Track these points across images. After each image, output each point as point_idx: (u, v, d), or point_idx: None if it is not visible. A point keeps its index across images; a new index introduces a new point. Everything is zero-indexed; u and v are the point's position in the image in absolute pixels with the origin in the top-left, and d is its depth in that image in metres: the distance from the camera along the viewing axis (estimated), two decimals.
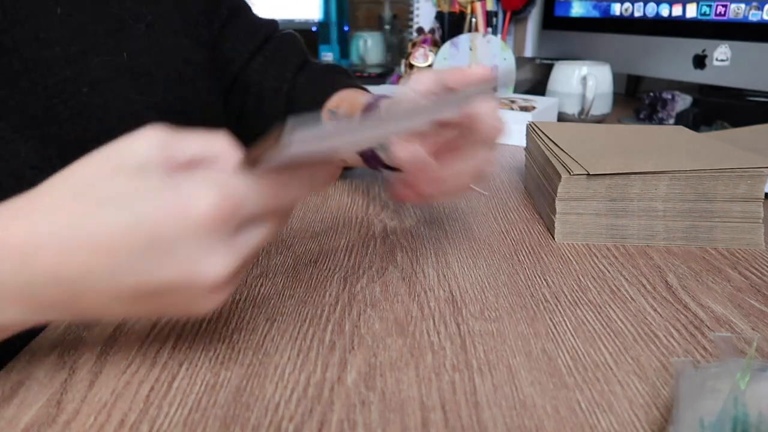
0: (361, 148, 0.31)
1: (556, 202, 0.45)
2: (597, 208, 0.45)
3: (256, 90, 0.58)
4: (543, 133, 0.54)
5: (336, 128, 0.24)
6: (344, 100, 0.55)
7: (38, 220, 0.24)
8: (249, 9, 0.61)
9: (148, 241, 0.23)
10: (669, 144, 0.50)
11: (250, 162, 0.25)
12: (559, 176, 0.44)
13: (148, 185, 0.24)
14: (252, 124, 0.58)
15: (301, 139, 0.22)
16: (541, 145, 0.52)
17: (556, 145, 0.50)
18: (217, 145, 0.26)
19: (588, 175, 0.44)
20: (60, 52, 0.39)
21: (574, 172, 0.44)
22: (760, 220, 0.44)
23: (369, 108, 0.48)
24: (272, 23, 0.61)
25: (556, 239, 0.46)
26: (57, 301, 0.25)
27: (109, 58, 0.42)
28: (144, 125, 0.43)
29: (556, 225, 0.45)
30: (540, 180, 0.52)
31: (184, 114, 0.49)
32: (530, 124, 0.57)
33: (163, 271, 0.24)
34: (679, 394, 0.25)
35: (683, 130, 0.56)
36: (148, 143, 0.25)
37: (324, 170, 0.28)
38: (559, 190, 0.44)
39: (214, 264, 0.24)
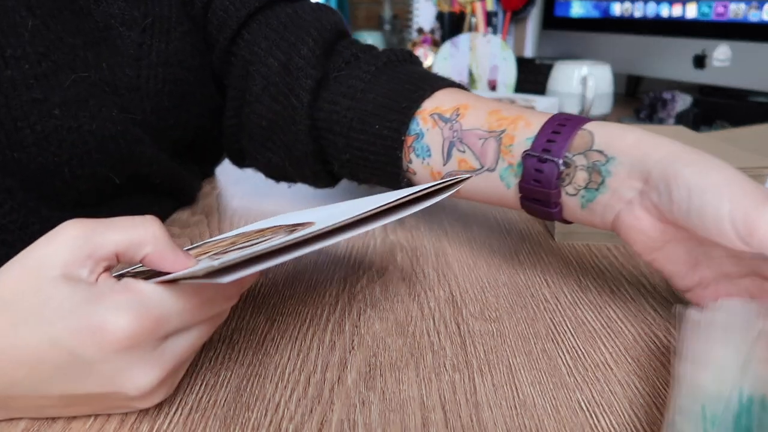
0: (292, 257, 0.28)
1: None
2: None
3: (259, 70, 0.44)
4: None
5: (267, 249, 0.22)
6: (466, 104, 0.38)
7: None
8: None
9: (68, 359, 0.23)
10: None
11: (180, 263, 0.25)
12: None
13: (71, 300, 0.23)
14: (257, 110, 0.44)
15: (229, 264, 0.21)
16: None
17: None
18: (141, 233, 0.25)
19: None
20: (29, 71, 0.35)
21: None
22: None
23: (547, 150, 0.32)
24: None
25: (556, 239, 0.46)
26: None
27: (87, 73, 0.38)
28: (132, 143, 0.40)
29: (555, 225, 0.45)
30: None
31: (177, 128, 0.45)
32: None
33: (87, 385, 0.24)
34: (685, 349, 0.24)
35: (683, 130, 0.55)
36: (66, 246, 0.24)
37: (252, 276, 0.26)
38: None
39: (136, 378, 0.24)
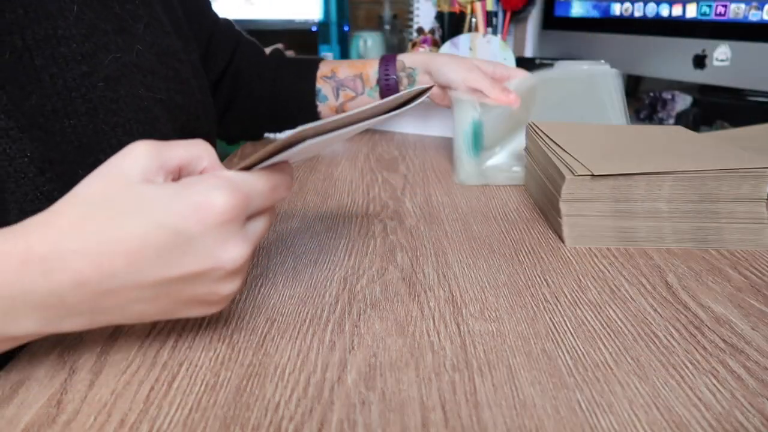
0: (340, 140, 0.36)
1: (561, 203, 0.44)
2: (602, 210, 0.44)
3: (246, 78, 0.69)
4: (543, 133, 0.54)
5: (317, 129, 0.28)
6: (336, 66, 0.70)
7: (60, 232, 0.25)
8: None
9: (171, 238, 0.25)
10: (670, 144, 0.50)
11: (244, 167, 0.29)
12: (563, 177, 0.44)
13: (164, 191, 0.26)
14: (241, 107, 0.70)
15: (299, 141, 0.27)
16: (542, 146, 0.52)
17: (558, 145, 0.50)
18: (197, 148, 0.29)
19: (592, 176, 0.43)
20: (76, 49, 0.40)
21: (578, 173, 0.43)
22: (765, 221, 0.43)
23: (386, 58, 0.69)
24: (230, 21, 0.72)
25: (566, 245, 0.45)
26: (78, 307, 0.26)
27: (119, 55, 0.44)
28: (153, 119, 0.47)
29: (564, 228, 0.45)
30: (542, 181, 0.51)
31: (183, 110, 0.52)
32: (530, 124, 0.57)
33: (185, 265, 0.26)
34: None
35: (682, 131, 0.55)
36: (141, 156, 0.27)
37: (291, 171, 0.32)
38: (563, 191, 0.44)
39: (231, 252, 0.27)
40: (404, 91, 0.34)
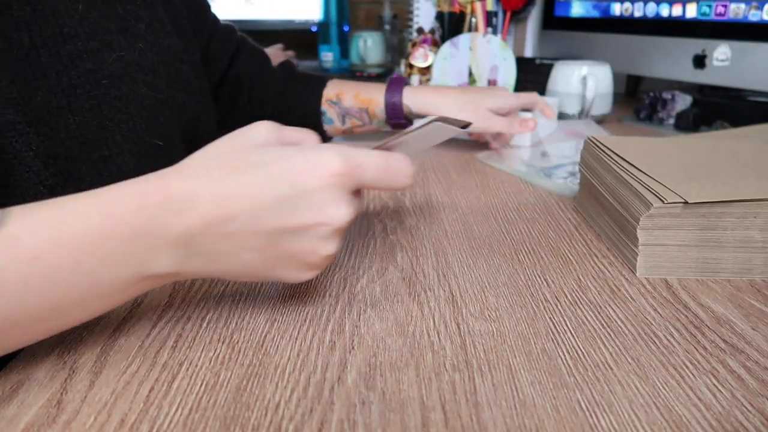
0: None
1: (639, 231, 0.39)
2: (686, 239, 0.39)
3: (248, 83, 0.69)
4: (609, 149, 0.48)
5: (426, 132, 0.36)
6: (343, 90, 0.70)
7: (193, 176, 0.29)
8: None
9: (288, 191, 0.28)
10: (759, 162, 0.45)
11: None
12: (646, 203, 0.39)
13: (285, 151, 0.30)
14: (247, 111, 0.70)
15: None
16: (610, 164, 0.46)
17: (632, 164, 0.44)
18: (309, 134, 0.34)
19: (684, 203, 0.38)
20: (81, 47, 0.41)
21: (669, 200, 0.38)
22: None
23: (393, 89, 0.67)
24: (231, 25, 0.73)
25: (638, 274, 0.40)
26: (201, 248, 0.29)
27: (123, 53, 0.45)
28: (156, 117, 0.49)
29: (639, 258, 0.40)
30: (609, 203, 0.45)
31: (185, 108, 0.53)
32: (590, 139, 0.51)
33: (297, 216, 0.29)
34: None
35: (759, 143, 0.50)
36: (264, 128, 0.32)
37: (409, 162, 0.34)
38: (644, 218, 0.39)
39: (340, 210, 0.29)
40: (448, 127, 0.37)
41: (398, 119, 0.69)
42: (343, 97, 0.70)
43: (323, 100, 0.70)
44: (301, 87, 0.71)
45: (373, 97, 0.68)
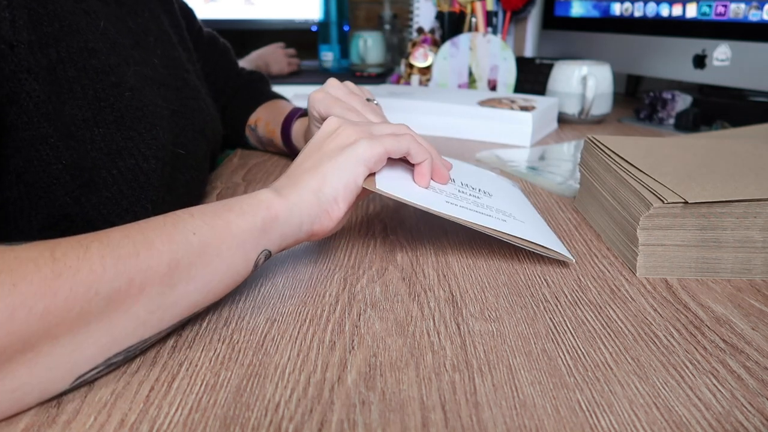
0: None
1: (639, 231, 0.39)
2: (686, 239, 0.39)
3: (215, 84, 0.74)
4: (608, 149, 0.47)
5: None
6: (261, 117, 0.74)
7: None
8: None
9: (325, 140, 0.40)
10: (758, 161, 0.45)
11: None
12: (646, 203, 0.39)
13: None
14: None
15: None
16: (610, 164, 0.46)
17: (632, 164, 0.44)
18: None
19: (684, 203, 0.38)
20: (105, 61, 0.43)
21: (669, 201, 0.38)
22: None
23: (285, 126, 0.68)
24: (214, 33, 0.78)
25: (638, 274, 0.40)
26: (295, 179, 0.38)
27: (139, 68, 0.47)
28: (175, 126, 0.51)
29: (639, 258, 0.40)
30: (609, 203, 0.45)
31: (195, 115, 0.55)
32: (590, 139, 0.51)
33: (346, 151, 0.39)
34: None
35: (759, 143, 0.50)
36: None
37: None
38: (644, 218, 0.39)
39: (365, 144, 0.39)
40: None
41: (294, 152, 0.68)
42: (259, 124, 0.73)
43: (248, 121, 0.75)
44: (240, 103, 0.76)
45: (275, 129, 0.70)
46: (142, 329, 0.29)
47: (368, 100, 0.56)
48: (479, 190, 0.47)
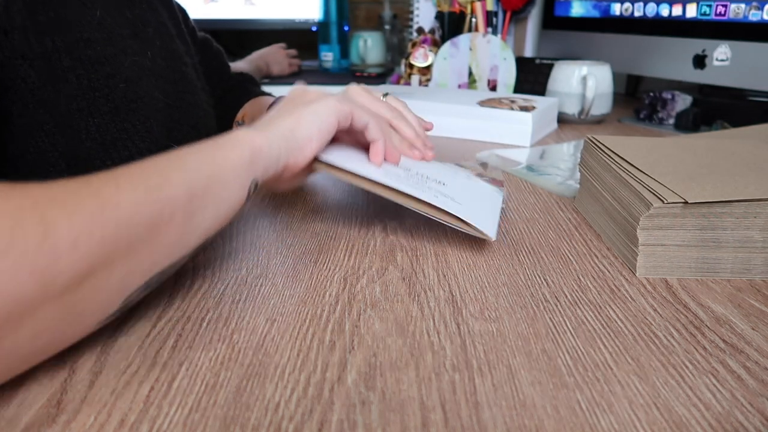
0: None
1: (639, 231, 0.39)
2: (686, 239, 0.39)
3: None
4: (608, 148, 0.47)
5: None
6: (247, 112, 0.73)
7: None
8: None
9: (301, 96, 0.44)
10: (759, 162, 0.45)
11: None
12: (646, 204, 0.39)
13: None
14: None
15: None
16: (609, 163, 0.46)
17: (631, 164, 0.44)
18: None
19: (684, 203, 0.38)
20: (100, 51, 0.43)
21: (669, 200, 0.38)
22: None
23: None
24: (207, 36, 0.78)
25: (638, 274, 0.40)
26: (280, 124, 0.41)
27: (137, 58, 0.47)
28: (170, 119, 0.52)
29: (639, 258, 0.40)
30: (609, 203, 0.45)
31: (191, 110, 0.55)
32: (589, 139, 0.51)
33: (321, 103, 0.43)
34: None
35: (760, 143, 0.49)
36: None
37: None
38: (645, 218, 0.39)
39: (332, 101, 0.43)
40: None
41: None
42: (246, 120, 0.75)
43: (236, 118, 0.75)
44: (231, 101, 0.76)
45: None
46: (173, 253, 0.32)
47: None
48: (435, 181, 0.48)
